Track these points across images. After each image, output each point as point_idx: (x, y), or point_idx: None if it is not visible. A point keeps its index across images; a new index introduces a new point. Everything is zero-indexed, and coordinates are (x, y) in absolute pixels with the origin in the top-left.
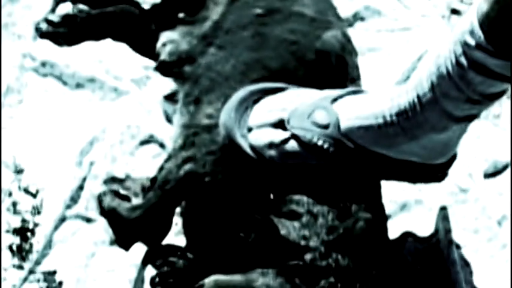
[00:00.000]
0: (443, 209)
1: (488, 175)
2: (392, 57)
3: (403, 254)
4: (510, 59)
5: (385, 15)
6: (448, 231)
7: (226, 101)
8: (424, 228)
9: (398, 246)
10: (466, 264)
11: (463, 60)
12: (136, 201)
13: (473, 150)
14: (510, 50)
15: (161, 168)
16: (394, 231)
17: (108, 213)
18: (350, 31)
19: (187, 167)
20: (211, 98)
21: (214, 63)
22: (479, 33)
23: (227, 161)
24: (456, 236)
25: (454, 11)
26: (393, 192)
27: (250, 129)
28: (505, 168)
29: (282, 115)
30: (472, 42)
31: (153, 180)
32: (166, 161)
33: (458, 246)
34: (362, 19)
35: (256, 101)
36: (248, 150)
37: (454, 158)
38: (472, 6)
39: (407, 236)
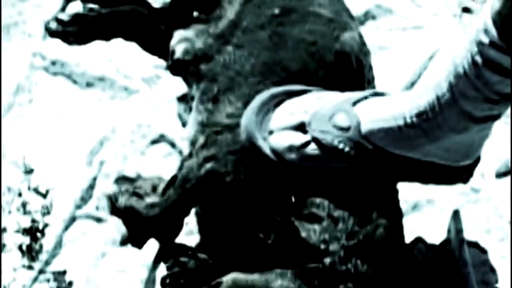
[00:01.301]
0: (455, 209)
1: (500, 175)
2: (404, 56)
3: (415, 255)
4: None
5: (397, 14)
6: (459, 231)
7: (247, 100)
8: (436, 228)
9: (410, 247)
10: (478, 264)
11: (478, 59)
12: (149, 200)
13: (485, 149)
14: None
15: (181, 166)
16: (406, 231)
17: (124, 211)
18: (361, 30)
19: (209, 165)
20: (231, 97)
21: (232, 62)
22: (492, 31)
23: (249, 162)
24: (468, 236)
25: (466, 9)
26: (405, 192)
27: (271, 132)
28: None
29: (303, 118)
30: (486, 40)
31: (173, 178)
32: (186, 159)
33: (471, 245)
34: (373, 18)
35: (277, 104)
36: (269, 153)
37: (478, 160)
38: (486, 4)
39: (418, 241)
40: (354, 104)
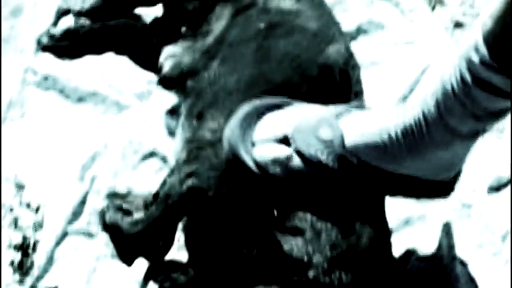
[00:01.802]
0: (446, 223)
1: (492, 190)
2: (396, 71)
3: (407, 270)
4: None
5: (388, 29)
6: (451, 246)
7: (230, 115)
8: (428, 243)
9: (402, 263)
10: (470, 279)
11: (467, 76)
12: (138, 215)
13: (477, 164)
14: None
15: (164, 183)
16: (397, 246)
17: (109, 227)
18: (353, 45)
19: (190, 181)
20: (214, 112)
21: (217, 78)
22: (483, 49)
23: (230, 176)
24: (460, 252)
25: (458, 24)
26: (396, 208)
27: (254, 144)
28: (508, 183)
29: (287, 130)
30: (476, 58)
31: (156, 194)
32: (169, 175)
33: (462, 262)
34: (365, 32)
35: (260, 116)
36: (252, 166)
37: (459, 174)
38: (477, 22)
39: (410, 254)
40: (338, 117)
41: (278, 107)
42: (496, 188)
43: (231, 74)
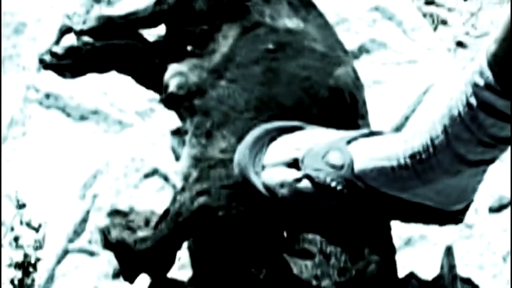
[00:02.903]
0: (448, 245)
1: (494, 210)
2: (398, 90)
3: None
4: None
5: (391, 48)
6: (452, 267)
7: (241, 136)
8: (429, 263)
9: (403, 283)
10: None
11: (473, 101)
12: (142, 233)
13: None
14: None
15: (174, 200)
16: (398, 266)
17: (116, 244)
18: (356, 64)
19: (201, 200)
20: (224, 132)
21: (226, 97)
22: (487, 73)
23: (242, 197)
24: (461, 272)
25: (460, 44)
26: (398, 227)
27: (264, 168)
28: (510, 203)
29: (297, 154)
30: (481, 82)
31: (166, 211)
32: (179, 193)
33: (464, 283)
34: (367, 52)
35: (271, 140)
36: (261, 189)
37: (469, 205)
38: (482, 46)
39: (411, 277)
40: (348, 142)
41: (288, 130)
42: (498, 209)
43: (241, 94)
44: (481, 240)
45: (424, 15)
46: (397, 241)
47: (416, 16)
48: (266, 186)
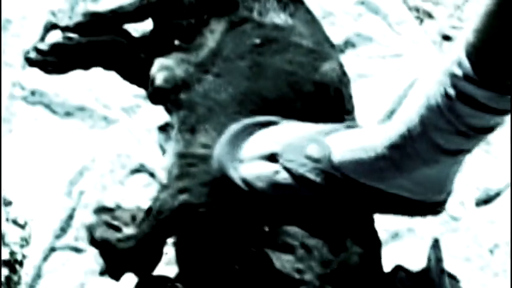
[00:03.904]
0: (435, 239)
1: (480, 203)
2: (384, 84)
3: (395, 284)
4: (497, 90)
5: (376, 42)
6: (439, 260)
7: (222, 130)
8: (416, 256)
9: (390, 277)
10: None
11: (451, 91)
12: (127, 231)
13: (465, 178)
14: (497, 81)
15: (156, 198)
16: (385, 259)
17: (100, 243)
18: (341, 58)
19: (182, 197)
20: (207, 127)
21: (211, 91)
22: (466, 64)
23: (222, 193)
24: (448, 265)
25: (446, 37)
26: (385, 221)
27: (242, 162)
28: (496, 196)
29: (275, 148)
30: (459, 73)
31: (148, 210)
32: (161, 191)
33: (451, 276)
34: (353, 46)
35: (249, 134)
36: (240, 183)
37: (448, 196)
38: (460, 37)
39: (398, 269)
40: (326, 135)
41: (267, 125)
42: (484, 201)
43: (225, 88)
44: (467, 233)
45: (410, 8)
46: (384, 235)
47: (401, 9)
48: (244, 180)
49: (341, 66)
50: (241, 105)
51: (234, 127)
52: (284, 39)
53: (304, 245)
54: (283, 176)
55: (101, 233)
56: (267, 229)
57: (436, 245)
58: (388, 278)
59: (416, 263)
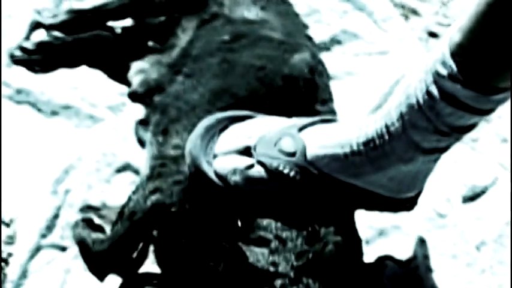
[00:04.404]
0: (421, 236)
1: (466, 200)
2: (370, 81)
3: (381, 280)
4: (481, 91)
5: (362, 39)
6: (426, 257)
7: (193, 130)
8: (402, 253)
9: (377, 271)
10: None
11: (433, 90)
12: (99, 234)
13: (451, 174)
14: (481, 81)
15: (129, 200)
16: (372, 257)
17: (78, 244)
18: (327, 55)
19: (154, 197)
20: (178, 128)
21: (182, 92)
22: (450, 63)
23: (194, 190)
24: (434, 262)
25: (432, 34)
26: (370, 218)
27: (215, 156)
28: (483, 192)
29: (249, 142)
30: (443, 72)
31: (121, 212)
32: (133, 192)
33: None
34: (339, 43)
35: (223, 129)
36: (213, 177)
37: (419, 193)
38: (444, 36)
39: (385, 259)
40: (301, 129)
41: (241, 119)
42: (471, 198)
43: (195, 88)
44: (454, 230)
45: (395, 5)
46: (370, 232)
47: (387, 6)
48: (218, 175)
49: (315, 55)
50: (212, 104)
51: (206, 121)
52: (254, 33)
53: (278, 237)
54: (257, 170)
55: (78, 233)
56: (240, 224)
57: (422, 242)
58: (373, 269)
59: (402, 260)
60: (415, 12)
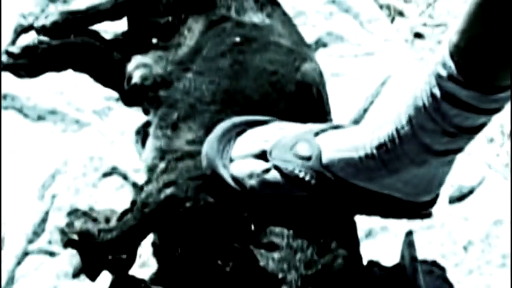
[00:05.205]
0: (408, 234)
1: (454, 200)
2: (356, 83)
3: (369, 282)
4: (481, 90)
5: (348, 41)
6: (413, 257)
7: (207, 128)
8: (390, 254)
9: (364, 274)
10: None
11: (436, 91)
12: (107, 224)
13: None
14: (481, 81)
15: (141, 192)
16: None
17: (79, 236)
18: None
19: (169, 191)
20: (191, 124)
21: (192, 89)
22: (450, 64)
23: (209, 188)
24: (422, 262)
25: (417, 35)
26: (358, 219)
27: (232, 160)
28: (470, 193)
29: (265, 146)
30: (444, 73)
31: (133, 202)
32: (146, 183)
33: (425, 273)
34: (325, 45)
35: (239, 133)
36: (229, 181)
37: (437, 197)
38: (444, 37)
39: (373, 265)
40: (316, 134)
41: (256, 124)
42: (458, 198)
43: (207, 86)
44: (441, 230)
45: (381, 6)
46: (358, 233)
47: (372, 8)
48: (234, 178)
49: (319, 67)
50: (224, 103)
51: (223, 125)
52: (263, 38)
53: (289, 245)
54: (274, 174)
55: (80, 224)
56: (253, 227)
57: (410, 242)
58: (363, 274)
59: (390, 261)
60: (400, 13)
